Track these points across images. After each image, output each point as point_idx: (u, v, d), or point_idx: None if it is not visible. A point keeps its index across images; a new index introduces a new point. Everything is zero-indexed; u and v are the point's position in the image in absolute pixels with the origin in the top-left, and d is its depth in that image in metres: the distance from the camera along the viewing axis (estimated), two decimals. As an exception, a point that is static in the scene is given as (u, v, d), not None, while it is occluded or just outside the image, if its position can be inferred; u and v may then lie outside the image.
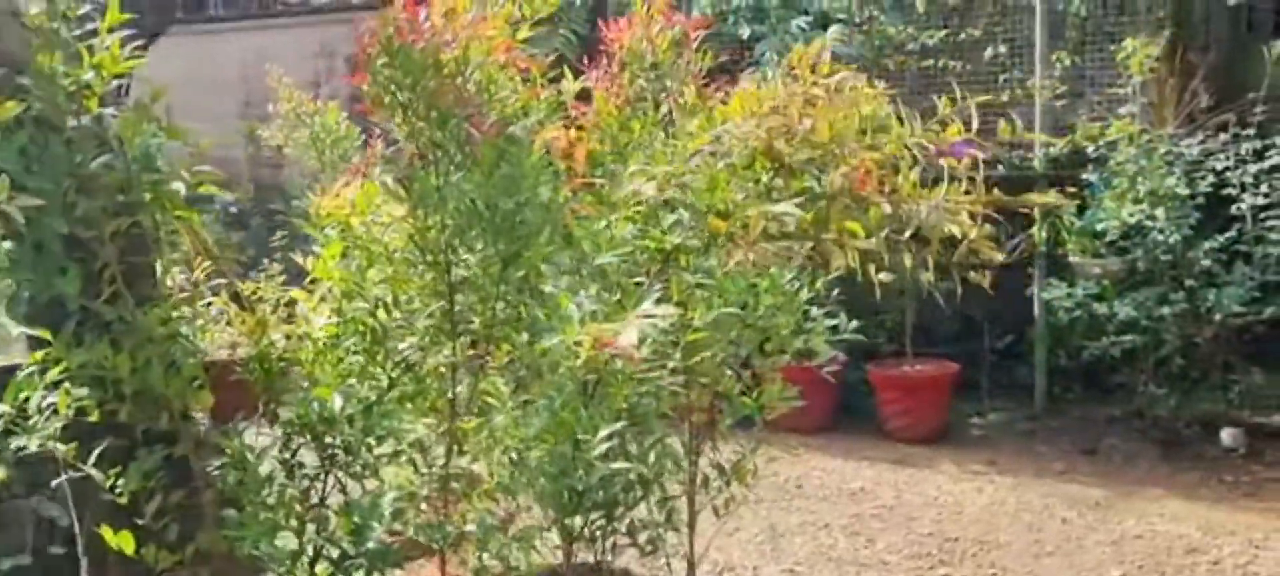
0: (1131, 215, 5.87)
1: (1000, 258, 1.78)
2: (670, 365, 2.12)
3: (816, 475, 5.80)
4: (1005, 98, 6.68)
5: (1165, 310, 5.71)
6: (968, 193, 1.74)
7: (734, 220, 1.78)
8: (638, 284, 2.08)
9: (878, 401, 6.62)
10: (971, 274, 1.81)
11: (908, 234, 1.73)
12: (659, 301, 1.84)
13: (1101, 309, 6.00)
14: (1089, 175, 6.26)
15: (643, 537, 2.22)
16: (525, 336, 2.24)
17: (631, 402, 2.07)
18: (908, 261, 1.73)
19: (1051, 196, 2.16)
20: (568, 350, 2.01)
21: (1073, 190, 6.26)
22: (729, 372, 2.90)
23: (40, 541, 2.91)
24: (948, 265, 1.76)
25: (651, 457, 2.14)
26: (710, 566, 4.55)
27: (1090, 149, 6.24)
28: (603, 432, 1.93)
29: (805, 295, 2.85)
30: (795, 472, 5.84)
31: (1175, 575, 4.29)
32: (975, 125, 1.76)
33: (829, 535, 4.89)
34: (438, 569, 2.92)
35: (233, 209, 8.25)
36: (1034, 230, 6.53)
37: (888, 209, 1.71)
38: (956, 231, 1.70)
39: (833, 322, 2.77)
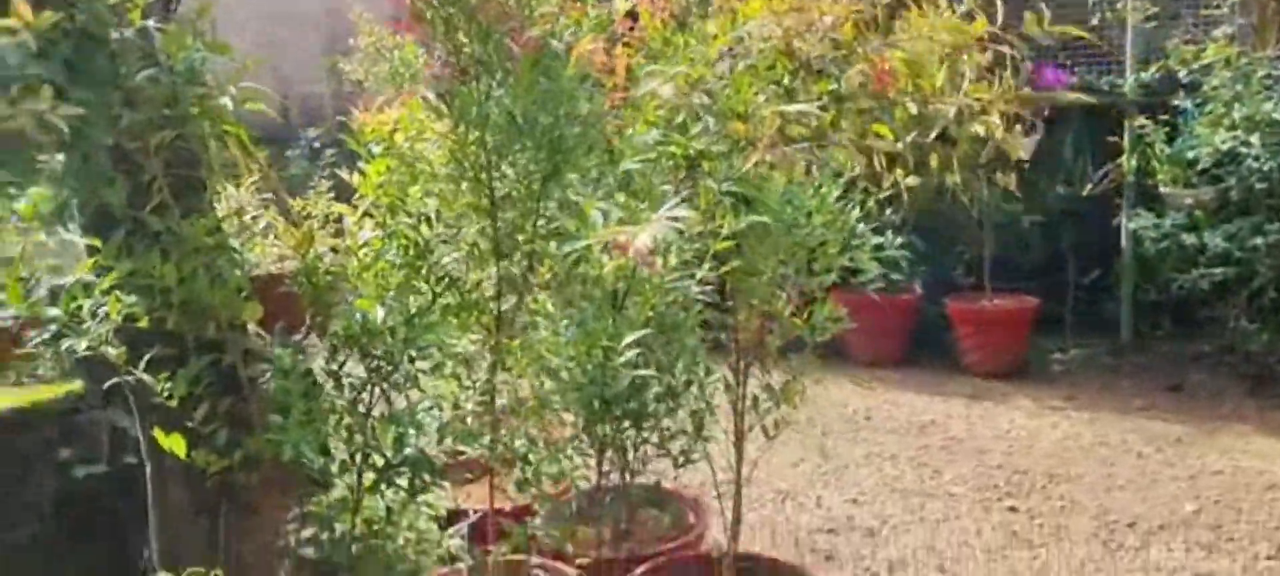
0: (1225, 142, 5.60)
1: (1025, 155, 1.70)
2: (699, 275, 2.10)
3: (887, 408, 5.74)
4: (1095, 21, 6.40)
5: (1259, 241, 5.46)
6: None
7: (753, 122, 1.74)
8: (665, 191, 2.06)
9: (955, 336, 6.50)
10: (998, 175, 1.74)
11: (933, 135, 1.67)
12: (682, 205, 1.82)
13: (1191, 240, 5.77)
14: (1181, 101, 5.99)
15: (675, 448, 2.22)
16: (554, 245, 2.24)
17: (659, 311, 2.06)
18: (934, 163, 1.67)
19: (1076, 96, 2.05)
20: (593, 258, 2.01)
21: (1164, 117, 6.02)
22: (782, 295, 2.86)
23: (115, 451, 3.05)
24: (976, 166, 1.70)
25: (680, 367, 2.13)
26: (773, 493, 4.56)
27: (1183, 73, 5.95)
28: (628, 339, 1.93)
29: (856, 214, 2.79)
30: (865, 405, 5.79)
31: (1252, 510, 4.14)
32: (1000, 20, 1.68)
33: (895, 466, 4.84)
34: (489, 487, 2.98)
35: (315, 143, 8.43)
36: (1123, 159, 6.30)
37: (913, 109, 1.65)
38: (982, 131, 1.63)
39: (878, 241, 2.70)
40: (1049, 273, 6.84)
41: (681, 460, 2.25)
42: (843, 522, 4.24)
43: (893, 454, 4.99)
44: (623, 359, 1.96)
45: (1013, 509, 4.27)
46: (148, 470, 2.61)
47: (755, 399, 2.90)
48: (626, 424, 2.10)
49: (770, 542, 4.08)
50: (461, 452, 3.60)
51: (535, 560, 2.85)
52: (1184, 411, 5.43)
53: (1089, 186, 6.46)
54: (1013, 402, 5.71)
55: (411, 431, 2.31)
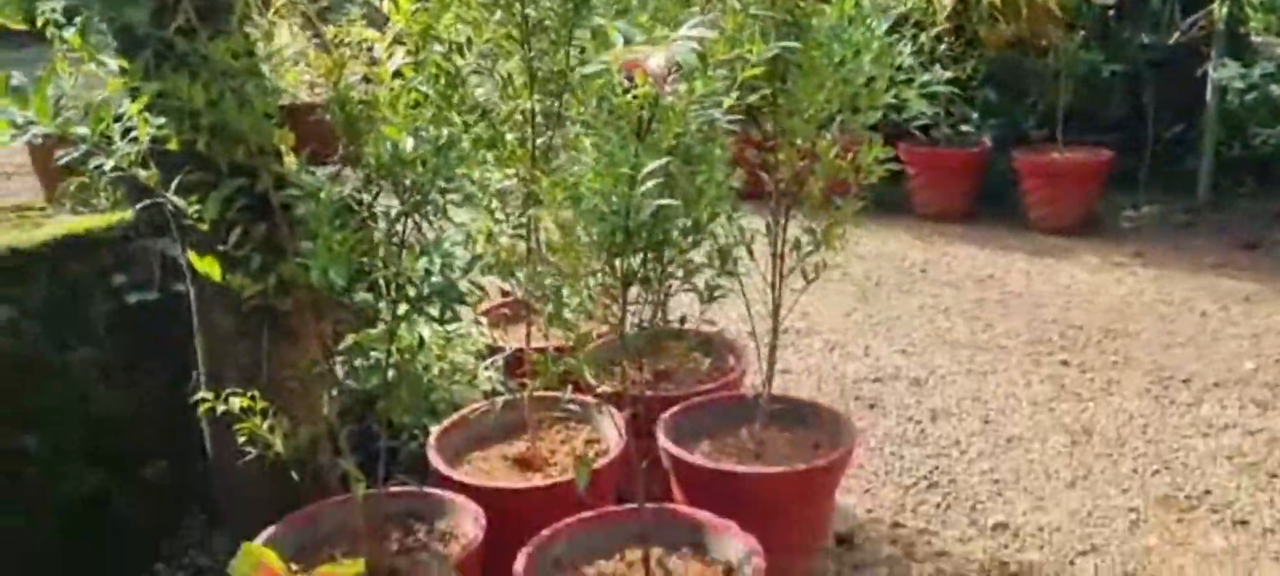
0: (1326, -15, 5.23)
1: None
2: (727, 103, 2.03)
3: (945, 261, 5.63)
4: None
5: (1354, 94, 5.15)
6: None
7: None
8: (692, 14, 1.98)
9: (1021, 190, 6.31)
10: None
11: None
12: (704, 26, 1.74)
13: (1281, 92, 5.46)
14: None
15: (700, 282, 2.19)
16: (578, 74, 2.18)
17: (684, 141, 2.01)
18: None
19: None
20: (617, 84, 1.95)
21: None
22: (826, 135, 2.78)
23: (166, 278, 3.12)
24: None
25: (704, 200, 2.08)
26: (822, 342, 4.54)
27: (1287, -91, 5.54)
28: (648, 167, 1.88)
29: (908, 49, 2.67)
30: (923, 258, 5.69)
31: (1316, 371, 4.02)
32: None
33: (947, 318, 4.77)
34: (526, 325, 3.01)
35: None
36: (1214, 5, 5.93)
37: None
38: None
39: (926, 77, 2.58)
40: (1129, 126, 6.56)
41: (707, 295, 2.22)
42: (890, 372, 4.21)
43: (946, 306, 4.92)
44: (643, 188, 1.91)
45: (1064, 363, 4.19)
46: (192, 295, 2.68)
47: (797, 242, 2.85)
48: (650, 256, 2.07)
49: (815, 389, 4.07)
50: (507, 293, 3.63)
51: (569, 393, 2.89)
52: (1258, 270, 5.23)
53: (1176, 34, 6.12)
54: (1076, 258, 5.56)
55: (437, 261, 2.31)
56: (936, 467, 3.42)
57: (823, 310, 4.90)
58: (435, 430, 2.96)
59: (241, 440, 2.33)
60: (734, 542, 2.40)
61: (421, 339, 2.54)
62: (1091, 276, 5.25)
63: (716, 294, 2.22)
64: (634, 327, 2.19)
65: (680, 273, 2.12)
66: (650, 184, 1.91)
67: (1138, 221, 6.19)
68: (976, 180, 6.59)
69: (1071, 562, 2.85)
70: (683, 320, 2.27)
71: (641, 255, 2.07)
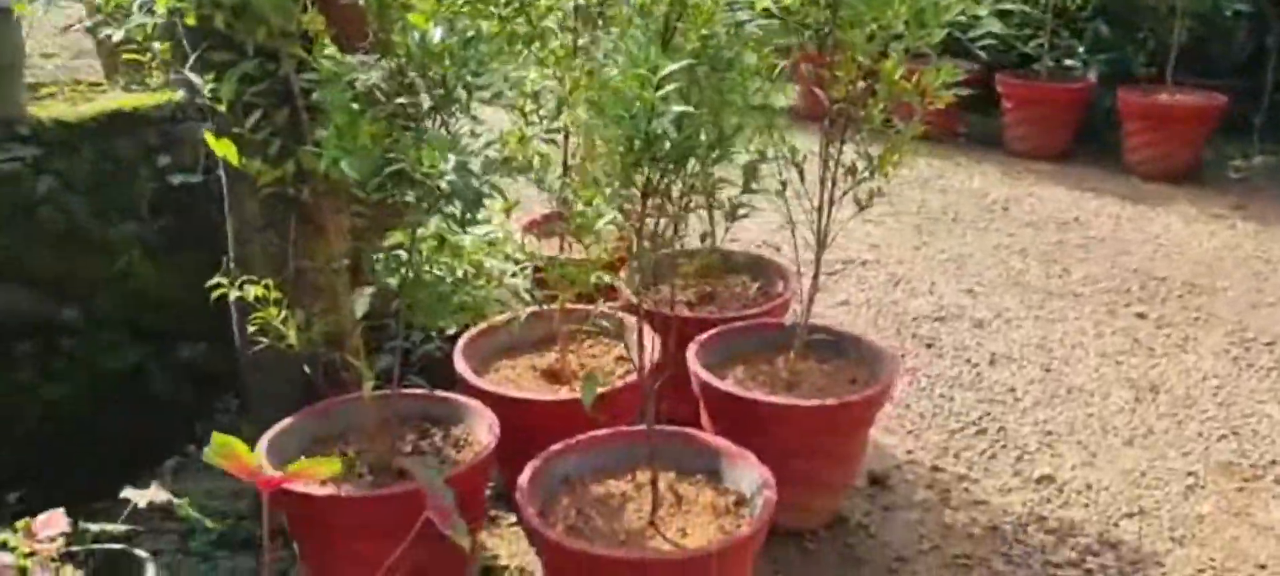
0: None
1: None
2: (759, 4, 1.88)
3: (1029, 200, 5.36)
4: None
5: None
6: None
7: None
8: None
9: (1123, 132, 5.94)
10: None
11: None
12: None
13: None
14: None
15: (723, 197, 2.06)
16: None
17: (710, 46, 1.87)
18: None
19: None
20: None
21: None
22: (892, 55, 2.60)
23: (211, 163, 3.11)
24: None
25: (729, 110, 1.94)
26: (887, 276, 4.37)
27: None
28: (665, 71, 1.75)
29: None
30: (1006, 195, 5.43)
31: None
32: None
33: (1022, 260, 4.53)
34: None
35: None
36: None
37: None
38: None
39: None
40: (1250, 69, 6.11)
41: (730, 215, 2.09)
42: (953, 311, 4.02)
43: (1023, 247, 4.67)
44: (660, 93, 1.79)
45: (1141, 315, 3.94)
46: (223, 179, 2.65)
47: (852, 166, 2.69)
48: (670, 168, 1.95)
49: (872, 323, 3.92)
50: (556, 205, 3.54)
51: (601, 306, 2.80)
52: (1370, 232, 4.86)
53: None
54: (1172, 207, 5.23)
55: (451, 159, 2.22)
56: (987, 414, 3.25)
57: (892, 242, 4.71)
58: (465, 336, 2.91)
59: (252, 329, 2.30)
60: (749, 472, 2.30)
61: (441, 239, 2.47)
62: (1185, 227, 4.93)
63: (741, 213, 2.09)
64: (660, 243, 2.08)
65: (700, 186, 1.99)
66: (670, 88, 1.79)
67: (1246, 172, 5.80)
68: (1076, 118, 6.25)
69: (1115, 524, 2.69)
70: (704, 237, 2.15)
71: (662, 167, 1.95)
